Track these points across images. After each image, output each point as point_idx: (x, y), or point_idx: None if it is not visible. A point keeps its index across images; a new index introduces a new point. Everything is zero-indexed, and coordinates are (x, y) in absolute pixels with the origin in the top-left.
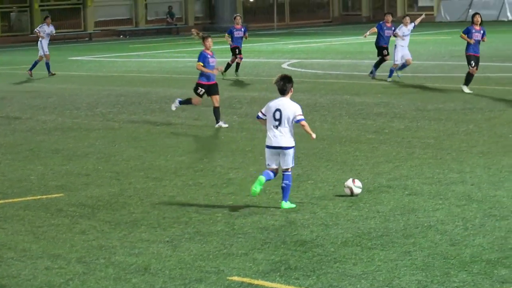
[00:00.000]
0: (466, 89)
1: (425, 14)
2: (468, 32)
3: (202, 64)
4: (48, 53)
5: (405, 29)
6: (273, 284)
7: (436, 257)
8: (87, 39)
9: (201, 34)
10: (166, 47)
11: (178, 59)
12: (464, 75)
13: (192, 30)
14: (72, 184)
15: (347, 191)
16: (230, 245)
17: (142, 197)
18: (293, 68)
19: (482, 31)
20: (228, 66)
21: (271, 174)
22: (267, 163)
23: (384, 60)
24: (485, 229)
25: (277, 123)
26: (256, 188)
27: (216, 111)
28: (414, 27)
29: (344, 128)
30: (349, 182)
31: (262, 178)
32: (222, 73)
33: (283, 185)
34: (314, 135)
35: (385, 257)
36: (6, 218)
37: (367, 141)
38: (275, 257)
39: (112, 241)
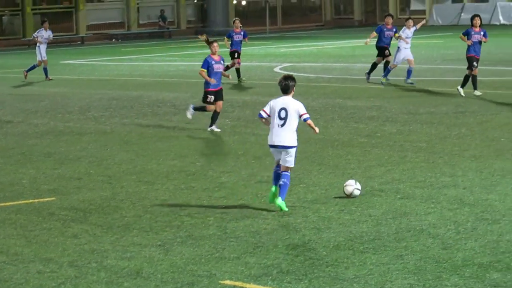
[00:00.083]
0: (477, 92)
1: (418, 18)
2: (467, 34)
3: (205, 71)
4: (46, 58)
5: (408, 32)
6: None
7: (428, 261)
8: (79, 42)
9: (208, 38)
10: (158, 51)
11: (170, 62)
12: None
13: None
14: (64, 188)
15: (349, 190)
16: (222, 249)
17: (134, 201)
18: (285, 72)
19: (482, 32)
20: (227, 68)
21: (287, 181)
22: (276, 160)
23: (376, 67)
24: (477, 233)
25: (282, 121)
26: (276, 200)
27: (215, 115)
28: (415, 31)
29: (336, 131)
30: (351, 182)
31: (274, 189)
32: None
33: (281, 183)
34: (317, 130)
35: (377, 260)
36: None
37: (359, 144)
38: (267, 261)
39: (104, 245)
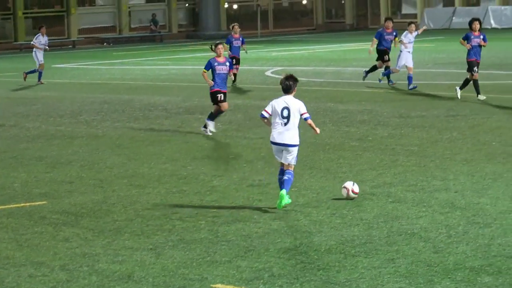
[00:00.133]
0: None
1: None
2: (467, 39)
3: (207, 72)
4: (42, 62)
5: (410, 36)
6: None
7: (419, 265)
8: (70, 46)
9: (211, 45)
10: (149, 55)
11: (161, 66)
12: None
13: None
14: (55, 192)
15: (344, 192)
16: (214, 252)
17: (126, 204)
18: (277, 76)
19: (482, 36)
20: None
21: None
22: (276, 158)
23: (376, 69)
24: (468, 237)
25: (285, 120)
26: (287, 202)
27: (212, 115)
28: (417, 35)
29: (327, 135)
30: (349, 184)
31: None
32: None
33: (285, 178)
34: (318, 130)
35: (369, 264)
36: None
37: (350, 148)
38: (259, 264)
39: (95, 249)
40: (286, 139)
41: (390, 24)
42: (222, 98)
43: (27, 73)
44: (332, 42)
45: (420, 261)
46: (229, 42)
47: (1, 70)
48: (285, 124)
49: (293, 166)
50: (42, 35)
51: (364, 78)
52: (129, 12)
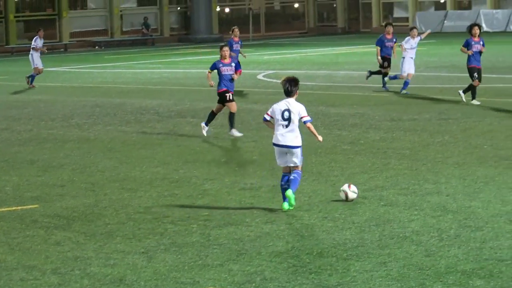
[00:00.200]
0: (476, 102)
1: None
2: (468, 45)
3: (210, 72)
4: (42, 67)
5: (412, 42)
6: None
7: (411, 268)
8: (62, 50)
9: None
10: (141, 58)
11: (153, 70)
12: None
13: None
14: (47, 195)
15: (342, 195)
16: (206, 256)
17: (117, 208)
18: (268, 79)
19: (481, 42)
20: None
21: (287, 185)
22: (278, 163)
23: (381, 73)
24: (460, 240)
25: (286, 122)
26: (290, 208)
27: (212, 115)
28: (420, 40)
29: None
30: (345, 187)
31: (286, 206)
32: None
33: (291, 177)
34: (320, 138)
35: (361, 268)
36: None
37: (342, 152)
38: (251, 268)
39: (87, 252)
40: (288, 141)
41: (390, 29)
42: (231, 98)
43: (29, 80)
44: (323, 46)
45: (412, 264)
46: (230, 45)
47: None
48: (287, 126)
49: (300, 167)
50: (40, 37)
51: (367, 77)
52: (121, 15)
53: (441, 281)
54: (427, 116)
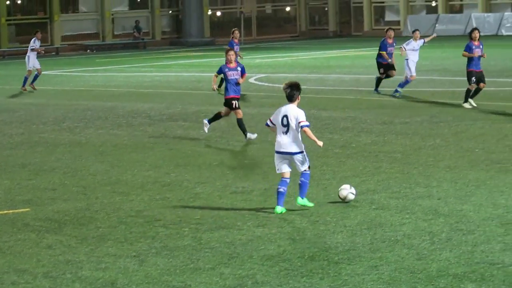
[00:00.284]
0: (467, 105)
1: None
2: (469, 49)
3: (216, 75)
4: (31, 69)
5: (414, 44)
6: None
7: (403, 272)
8: (54, 53)
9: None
10: (133, 62)
11: (145, 73)
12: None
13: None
14: (38, 199)
15: (343, 194)
16: (197, 259)
17: (109, 211)
18: (260, 83)
19: (481, 46)
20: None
21: (283, 190)
22: (277, 169)
23: (381, 79)
24: (451, 243)
25: (285, 129)
26: (282, 211)
27: (217, 116)
28: (423, 44)
29: (311, 142)
30: (347, 186)
31: (279, 209)
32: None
33: (300, 182)
34: (319, 143)
35: (352, 271)
36: None
37: (334, 155)
38: (242, 271)
39: (79, 256)
40: (289, 148)
41: (392, 33)
42: (237, 106)
43: (32, 83)
44: (315, 49)
45: (404, 268)
46: (231, 47)
47: None
48: (286, 132)
49: (307, 168)
50: (38, 39)
51: (377, 91)
52: (113, 19)
53: (432, 284)
54: (418, 119)
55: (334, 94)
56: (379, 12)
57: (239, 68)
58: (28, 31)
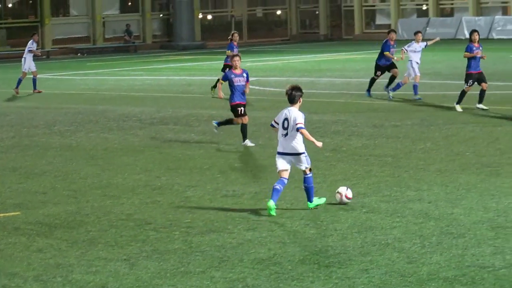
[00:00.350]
0: (459, 108)
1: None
2: (470, 51)
3: (223, 82)
4: (26, 70)
5: (416, 46)
6: None
7: (393, 275)
8: (44, 57)
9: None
10: (124, 65)
11: (135, 77)
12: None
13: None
14: (29, 202)
15: (338, 197)
16: (188, 263)
17: (100, 215)
18: (251, 86)
19: (480, 48)
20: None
21: (280, 187)
22: (278, 169)
23: (374, 80)
24: (442, 247)
25: (285, 131)
26: (272, 213)
27: (228, 122)
28: (426, 47)
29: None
30: (343, 189)
31: (271, 205)
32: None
33: (304, 187)
34: (318, 144)
35: (343, 274)
36: None
37: (324, 159)
38: (233, 275)
39: (69, 259)
40: (289, 149)
41: (394, 35)
42: (243, 112)
43: (34, 88)
44: (306, 53)
45: (394, 271)
46: (231, 50)
47: None
48: (285, 135)
49: (308, 170)
50: (35, 41)
51: (388, 94)
52: (103, 22)
53: None
54: (409, 122)
55: (325, 97)
56: (370, 16)
57: (244, 74)
58: (19, 35)
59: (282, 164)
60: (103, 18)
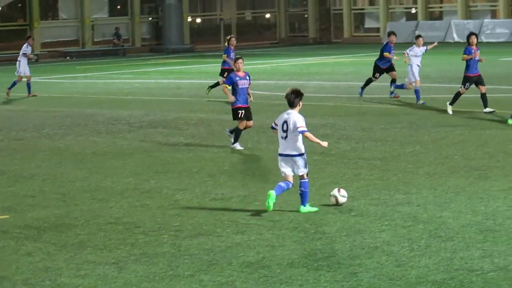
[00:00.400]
0: (450, 110)
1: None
2: (469, 53)
3: (228, 87)
4: (21, 74)
5: (417, 50)
6: None
7: (382, 278)
8: (33, 60)
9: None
10: (112, 68)
11: (124, 80)
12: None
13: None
14: (18, 206)
15: (332, 200)
16: (176, 266)
17: (88, 218)
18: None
19: (478, 51)
20: (217, 84)
21: (284, 186)
22: (281, 172)
23: (371, 81)
24: (430, 250)
25: (284, 134)
26: (269, 203)
27: (238, 132)
28: (426, 51)
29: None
30: (335, 191)
31: (272, 193)
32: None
33: (299, 191)
34: (324, 144)
35: (331, 278)
36: None
37: (313, 162)
38: (222, 278)
39: (58, 263)
40: (289, 150)
41: (394, 38)
42: (243, 116)
43: (29, 93)
44: (295, 56)
45: (383, 274)
46: (228, 53)
47: None
48: (285, 138)
49: (305, 174)
50: (29, 45)
51: (391, 93)
52: (92, 25)
53: None
54: (398, 126)
55: (314, 100)
56: (359, 19)
57: (247, 77)
58: (8, 38)
59: (287, 171)
60: (92, 21)
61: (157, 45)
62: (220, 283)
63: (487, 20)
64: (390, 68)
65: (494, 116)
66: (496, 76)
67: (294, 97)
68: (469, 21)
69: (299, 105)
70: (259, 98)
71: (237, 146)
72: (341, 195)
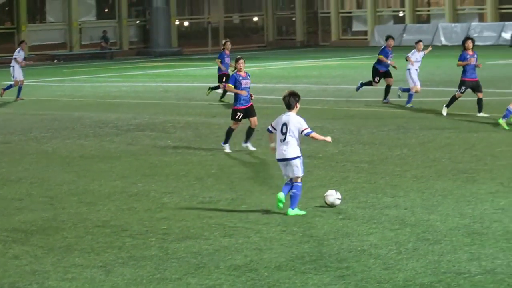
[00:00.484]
0: (445, 112)
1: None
2: (464, 59)
3: (233, 86)
4: (16, 79)
5: (417, 55)
6: None
7: (369, 281)
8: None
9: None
10: (100, 72)
11: (112, 83)
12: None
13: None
14: (5, 209)
15: (330, 199)
16: (164, 269)
17: (76, 221)
18: (228, 93)
19: (475, 55)
20: (218, 87)
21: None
22: (283, 174)
23: (371, 84)
24: (418, 253)
25: (283, 136)
26: (279, 205)
27: (250, 131)
28: (423, 56)
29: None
30: (332, 192)
31: (281, 196)
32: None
33: (291, 193)
34: (328, 139)
35: (319, 281)
36: None
37: None
38: (209, 281)
39: (45, 266)
40: (285, 154)
41: (392, 42)
42: (240, 119)
43: (18, 96)
44: (283, 59)
45: (370, 277)
46: (222, 58)
47: None
48: (283, 140)
49: (300, 178)
50: (22, 49)
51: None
52: (80, 29)
53: None
54: (385, 129)
55: (301, 104)
56: (347, 22)
57: (248, 77)
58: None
59: (290, 174)
60: (80, 24)
61: (145, 48)
62: (207, 286)
63: (474, 24)
64: (387, 74)
65: (481, 119)
66: (483, 79)
67: (291, 99)
68: (457, 24)
69: (297, 107)
70: None
71: (227, 149)
72: (337, 197)
